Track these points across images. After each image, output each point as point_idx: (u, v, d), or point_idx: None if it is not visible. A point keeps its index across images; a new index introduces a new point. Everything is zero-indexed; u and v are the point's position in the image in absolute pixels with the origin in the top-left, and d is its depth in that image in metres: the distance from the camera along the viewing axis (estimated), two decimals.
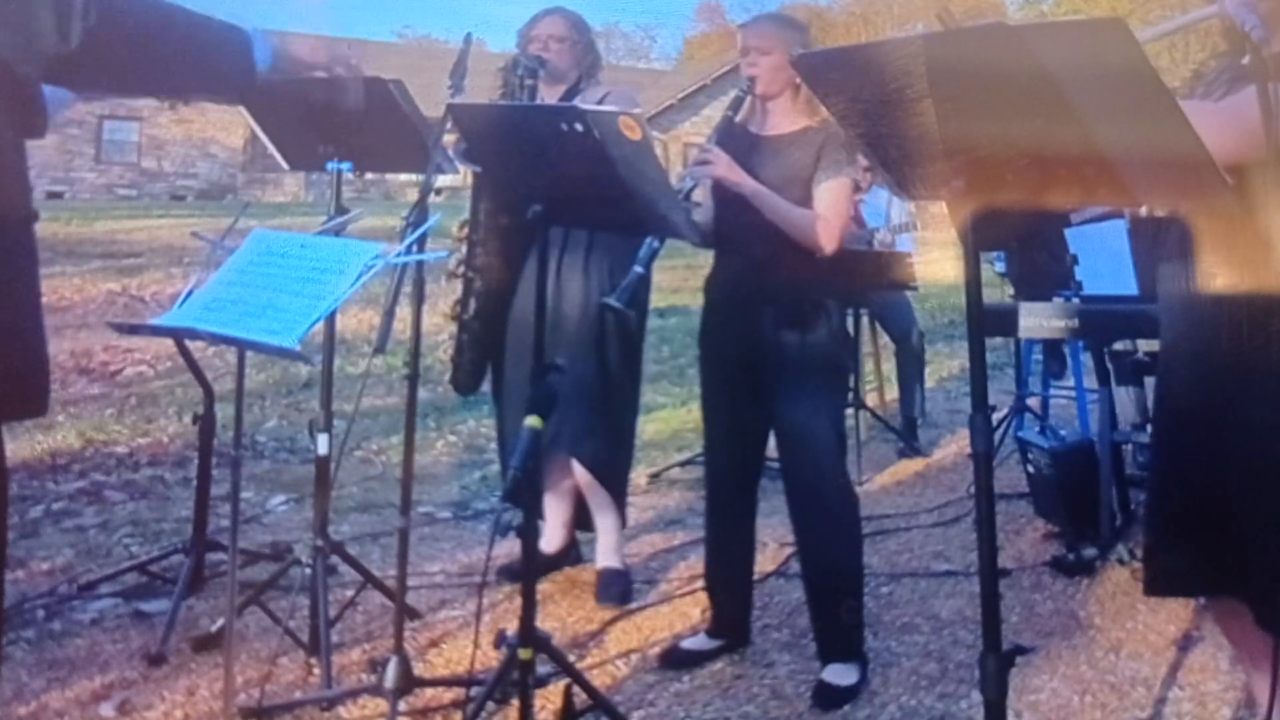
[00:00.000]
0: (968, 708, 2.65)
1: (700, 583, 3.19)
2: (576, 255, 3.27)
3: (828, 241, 2.72)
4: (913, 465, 5.15)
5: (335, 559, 3.01)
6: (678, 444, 5.31)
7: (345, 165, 2.95)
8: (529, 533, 2.29)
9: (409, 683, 2.46)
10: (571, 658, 2.74)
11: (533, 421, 2.17)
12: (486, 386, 3.46)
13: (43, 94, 1.78)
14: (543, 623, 2.82)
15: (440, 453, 5.20)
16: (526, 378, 2.39)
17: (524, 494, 2.36)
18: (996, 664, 1.61)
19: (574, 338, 3.22)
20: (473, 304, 3.27)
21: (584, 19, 3.43)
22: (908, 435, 5.43)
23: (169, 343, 3.61)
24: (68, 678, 2.75)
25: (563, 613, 3.24)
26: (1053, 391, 5.60)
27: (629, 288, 2.56)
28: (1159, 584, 2.12)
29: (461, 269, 3.26)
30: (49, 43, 1.57)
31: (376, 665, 2.66)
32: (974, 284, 1.67)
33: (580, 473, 3.33)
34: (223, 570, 3.21)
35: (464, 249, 3.26)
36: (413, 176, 3.07)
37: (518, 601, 2.29)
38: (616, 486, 3.39)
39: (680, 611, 3.26)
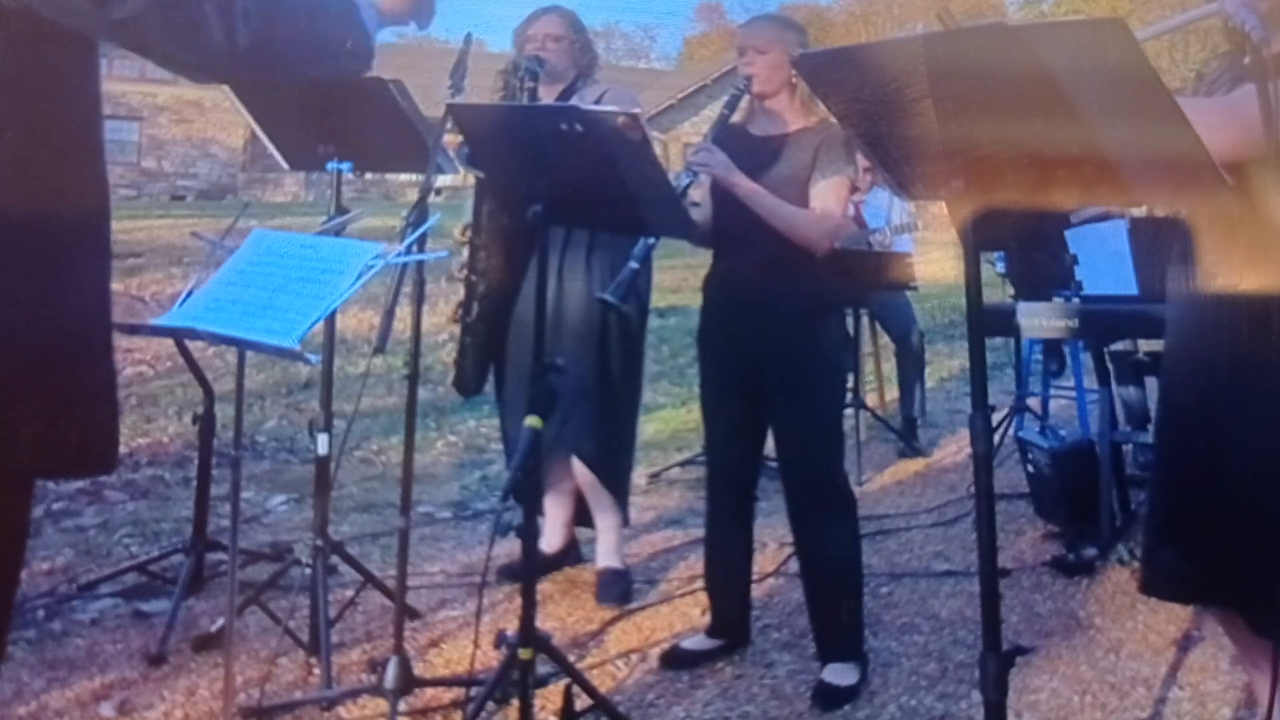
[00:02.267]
0: (968, 708, 2.65)
1: (700, 583, 3.19)
2: (578, 255, 3.27)
3: (824, 240, 2.72)
4: (913, 465, 5.15)
5: (335, 559, 3.01)
6: (678, 444, 5.31)
7: (345, 165, 2.95)
8: (529, 533, 2.29)
9: (409, 683, 2.46)
10: (571, 658, 2.74)
11: (532, 421, 2.17)
12: (488, 387, 3.46)
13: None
14: (543, 623, 2.82)
15: (440, 453, 5.20)
16: (529, 378, 2.39)
17: (524, 494, 2.36)
18: (996, 664, 1.61)
19: (576, 337, 3.22)
20: (476, 307, 3.26)
21: (579, 18, 3.43)
22: (908, 435, 5.43)
23: (169, 343, 3.62)
24: (68, 677, 2.75)
25: (563, 613, 3.24)
26: (1053, 392, 5.60)
27: (624, 283, 2.56)
28: (1155, 585, 2.12)
29: (464, 272, 3.26)
30: (218, 48, 1.54)
31: (376, 665, 2.66)
32: (974, 284, 1.67)
33: (581, 472, 3.33)
34: (223, 570, 3.21)
35: (466, 252, 3.26)
36: (413, 176, 3.07)
37: (518, 601, 2.29)
38: (618, 485, 3.39)
39: (680, 611, 3.26)
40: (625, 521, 3.49)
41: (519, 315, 3.26)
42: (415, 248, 2.34)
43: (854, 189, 2.88)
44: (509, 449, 3.44)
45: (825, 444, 2.77)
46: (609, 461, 3.33)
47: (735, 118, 2.86)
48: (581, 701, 2.42)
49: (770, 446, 2.89)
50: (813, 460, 2.77)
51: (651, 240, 2.62)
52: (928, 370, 6.02)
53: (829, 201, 2.74)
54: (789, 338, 2.75)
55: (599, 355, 3.26)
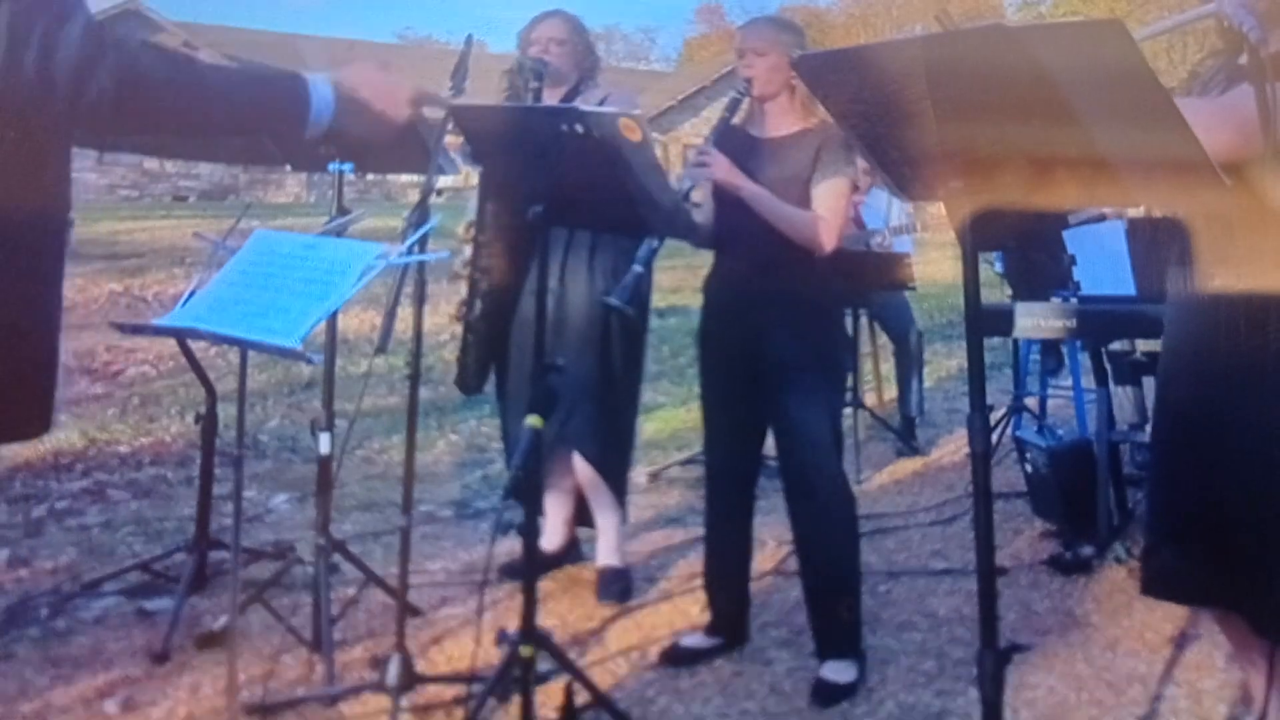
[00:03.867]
0: (965, 705, 2.66)
1: (700, 581, 3.20)
2: (580, 255, 3.28)
3: (826, 241, 2.73)
4: (911, 464, 5.15)
5: (337, 557, 3.02)
6: (678, 443, 5.32)
7: (347, 166, 2.96)
8: (530, 531, 2.30)
9: (411, 680, 2.48)
10: (572, 655, 2.75)
11: (533, 421, 2.18)
12: (490, 386, 3.47)
13: None
14: (543, 620, 2.82)
15: (442, 452, 5.21)
16: (530, 377, 2.40)
17: (525, 492, 2.37)
18: (994, 661, 1.62)
19: (578, 337, 3.23)
20: (478, 305, 3.27)
21: (582, 21, 3.44)
22: (906, 435, 5.44)
23: (171, 343, 3.62)
24: (71, 675, 2.76)
25: (563, 610, 3.25)
26: (1050, 391, 5.61)
27: (629, 286, 2.57)
28: (1155, 585, 2.12)
29: (467, 269, 3.27)
30: (62, 98, 1.57)
31: (379, 662, 2.67)
32: (972, 284, 1.69)
33: (582, 470, 3.34)
34: (225, 569, 3.23)
35: (469, 250, 3.27)
36: (414, 177, 3.08)
37: (519, 599, 2.30)
38: (618, 483, 3.41)
39: (680, 609, 3.27)
40: (624, 519, 3.50)
41: (522, 315, 3.27)
42: (416, 248, 2.35)
43: (855, 189, 2.89)
44: (510, 448, 3.45)
45: (825, 443, 2.78)
46: (611, 459, 3.34)
47: (735, 119, 2.88)
48: (582, 699, 2.44)
49: (769, 445, 2.91)
50: (812, 459, 2.78)
51: (655, 243, 2.63)
52: (926, 370, 6.02)
53: (831, 203, 2.75)
54: (789, 338, 2.76)
55: (601, 355, 3.27)
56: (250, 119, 1.83)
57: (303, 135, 1.80)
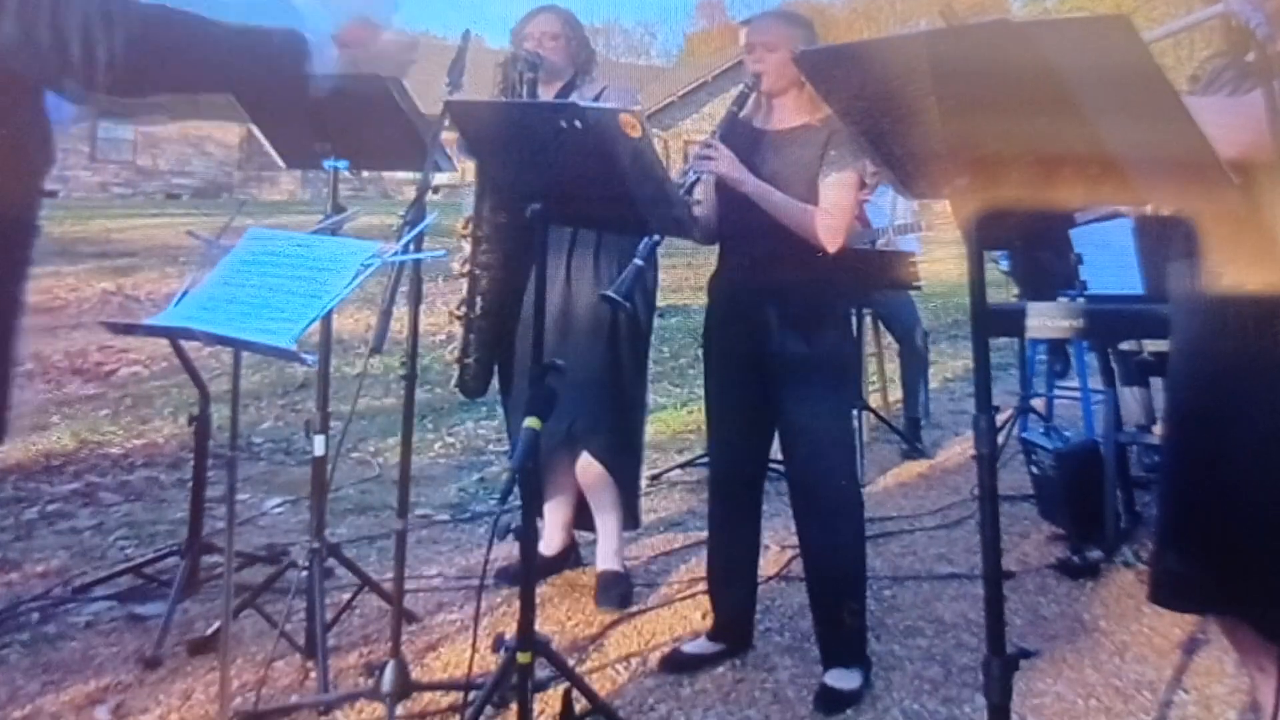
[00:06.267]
0: (971, 712, 2.63)
1: (701, 586, 3.16)
2: (586, 253, 3.25)
3: (832, 237, 2.69)
4: (916, 467, 5.12)
5: (332, 561, 2.99)
6: (678, 445, 5.29)
7: (342, 163, 2.93)
8: (528, 535, 2.26)
9: (406, 687, 2.44)
10: (571, 662, 2.72)
11: (531, 422, 2.15)
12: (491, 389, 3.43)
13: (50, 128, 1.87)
14: (542, 626, 2.80)
15: (438, 454, 5.18)
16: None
17: (523, 496, 2.34)
18: (1000, 668, 1.60)
19: (586, 336, 3.20)
20: (479, 302, 3.22)
21: (575, 15, 3.40)
22: (911, 436, 5.40)
23: (164, 343, 3.59)
24: (62, 681, 2.73)
25: (562, 616, 3.21)
26: (1057, 392, 5.57)
27: (627, 280, 2.54)
28: (1163, 593, 2.08)
29: (465, 266, 3.23)
30: (81, 68, 1.65)
31: (373, 669, 2.64)
32: (978, 283, 1.66)
33: (584, 472, 3.30)
34: (218, 573, 3.18)
35: (467, 247, 3.23)
36: (410, 175, 3.05)
37: (516, 605, 2.27)
38: (628, 481, 3.37)
39: (681, 615, 3.23)
40: (636, 523, 3.46)
41: (526, 314, 3.23)
42: (412, 246, 2.32)
43: (863, 185, 2.85)
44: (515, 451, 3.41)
45: (833, 445, 2.74)
46: (620, 455, 3.31)
47: (743, 113, 2.85)
48: (581, 706, 2.40)
49: (775, 448, 2.87)
50: (820, 461, 2.74)
51: (656, 238, 2.60)
52: (931, 371, 6.00)
53: (837, 198, 2.71)
54: (796, 336, 2.72)
55: (609, 353, 3.23)
56: (257, 68, 1.99)
57: (306, 67, 2.05)
